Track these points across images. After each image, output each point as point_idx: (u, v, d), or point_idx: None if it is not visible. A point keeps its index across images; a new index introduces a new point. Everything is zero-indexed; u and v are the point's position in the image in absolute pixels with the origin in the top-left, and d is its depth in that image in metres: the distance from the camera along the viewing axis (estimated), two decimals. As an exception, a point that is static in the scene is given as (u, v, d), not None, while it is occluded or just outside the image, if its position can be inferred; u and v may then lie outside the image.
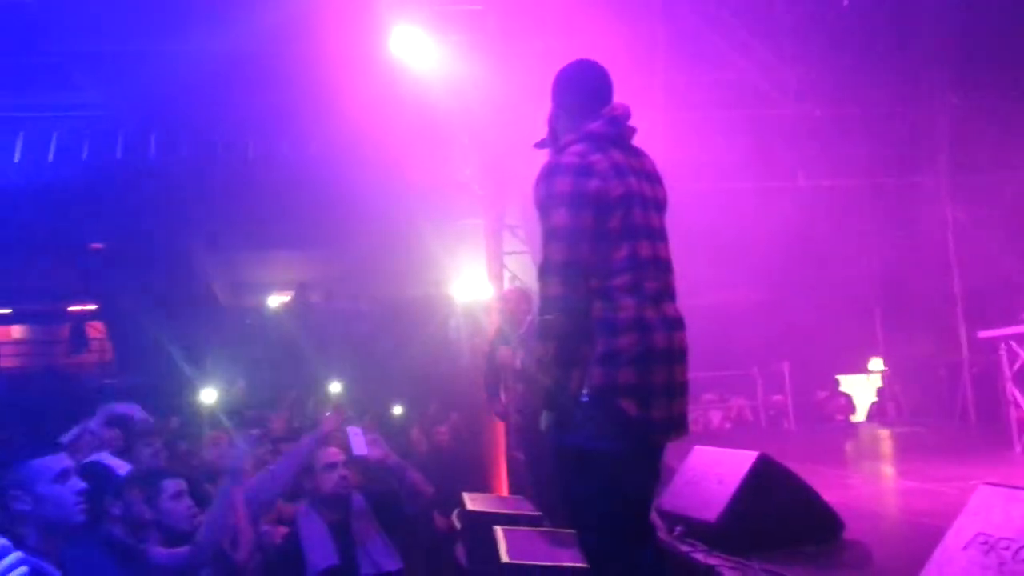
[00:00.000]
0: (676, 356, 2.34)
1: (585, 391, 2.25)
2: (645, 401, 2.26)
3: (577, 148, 2.32)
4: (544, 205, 2.27)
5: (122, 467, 3.68)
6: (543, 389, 2.28)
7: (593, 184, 2.25)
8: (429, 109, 9.94)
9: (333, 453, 4.08)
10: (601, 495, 2.28)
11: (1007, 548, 2.15)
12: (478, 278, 10.01)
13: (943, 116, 10.25)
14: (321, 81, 10.82)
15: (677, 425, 2.37)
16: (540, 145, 2.57)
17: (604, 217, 2.25)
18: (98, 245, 13.52)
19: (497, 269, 9.09)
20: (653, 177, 2.46)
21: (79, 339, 15.18)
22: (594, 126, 2.40)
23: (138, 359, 11.31)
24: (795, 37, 10.17)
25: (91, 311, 15.23)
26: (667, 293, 2.39)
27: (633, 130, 2.46)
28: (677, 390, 2.34)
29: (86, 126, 12.12)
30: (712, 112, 10.17)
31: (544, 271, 2.21)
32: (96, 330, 15.20)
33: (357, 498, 4.06)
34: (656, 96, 9.59)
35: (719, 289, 10.36)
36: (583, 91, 2.50)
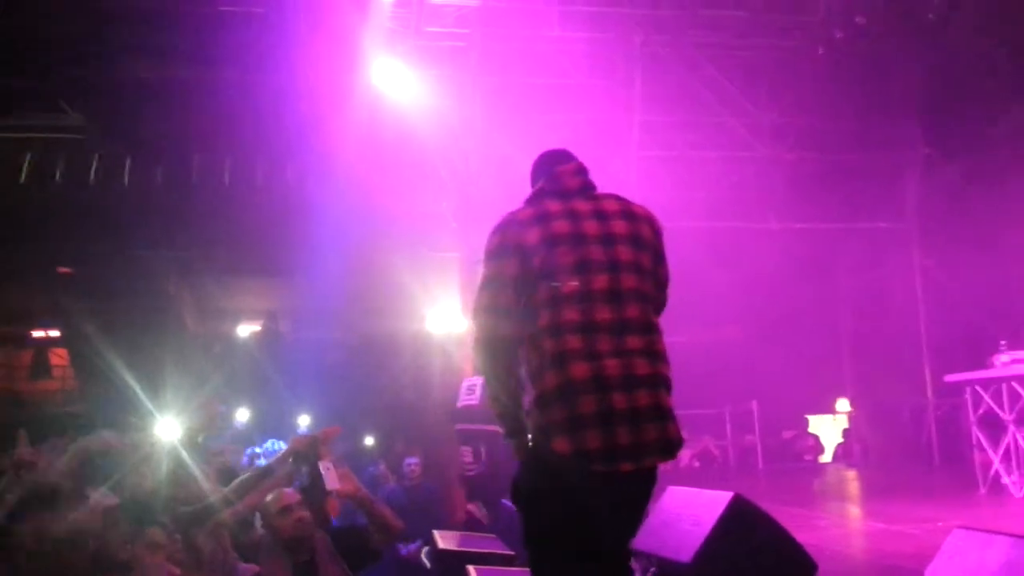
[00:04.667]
0: (616, 384, 2.27)
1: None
2: (577, 434, 2.22)
3: (506, 214, 2.49)
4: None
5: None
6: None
7: (510, 237, 2.41)
8: (408, 141, 9.98)
9: (287, 495, 3.85)
10: (549, 537, 2.30)
11: (981, 592, 2.17)
12: (452, 312, 10.00)
13: (913, 164, 10.50)
14: (301, 109, 10.82)
15: (630, 454, 2.25)
16: None
17: (526, 262, 2.35)
18: (66, 270, 13.30)
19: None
20: (610, 215, 2.48)
21: (41, 366, 14.84)
22: (536, 187, 2.58)
23: (100, 388, 11.06)
24: (771, 83, 10.39)
25: (55, 338, 14.92)
26: (619, 320, 2.34)
27: (578, 183, 2.55)
28: (622, 417, 2.25)
29: (60, 148, 11.99)
30: (687, 153, 10.32)
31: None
32: (59, 357, 14.89)
33: (321, 536, 3.94)
34: (632, 136, 9.72)
35: (690, 328, 10.43)
36: (542, 166, 2.66)
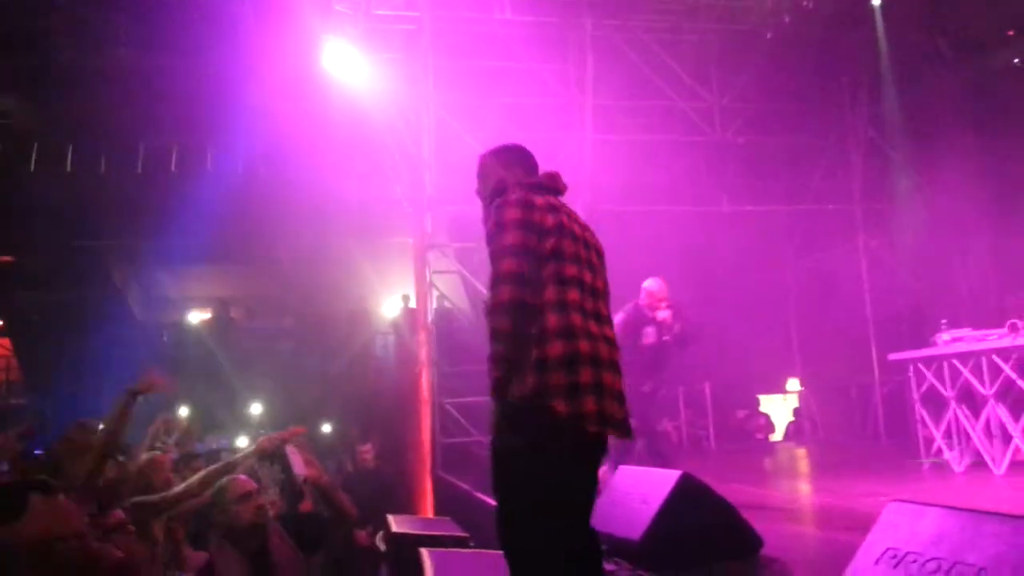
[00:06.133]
0: (604, 363, 2.62)
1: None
2: (576, 399, 2.52)
3: (519, 192, 2.73)
4: (493, 232, 2.65)
5: None
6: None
7: (535, 215, 2.65)
8: (360, 125, 9.86)
9: (244, 483, 3.80)
10: (528, 494, 2.50)
11: (914, 561, 2.25)
12: (407, 295, 9.97)
13: (858, 147, 10.71)
14: (249, 93, 10.64)
15: (610, 423, 2.59)
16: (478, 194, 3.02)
17: (541, 241, 2.62)
18: (7, 258, 12.96)
19: (425, 287, 9.08)
20: (584, 225, 2.83)
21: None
22: (534, 179, 2.88)
23: (45, 379, 10.78)
24: (720, 67, 10.48)
25: (-3, 327, 14.53)
26: (597, 312, 2.71)
27: (565, 187, 2.91)
28: (607, 391, 2.60)
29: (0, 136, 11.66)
30: (639, 137, 10.37)
31: (496, 281, 2.58)
32: (2, 347, 14.52)
33: (273, 524, 3.91)
34: (584, 120, 9.74)
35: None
36: (518, 155, 3.00)
